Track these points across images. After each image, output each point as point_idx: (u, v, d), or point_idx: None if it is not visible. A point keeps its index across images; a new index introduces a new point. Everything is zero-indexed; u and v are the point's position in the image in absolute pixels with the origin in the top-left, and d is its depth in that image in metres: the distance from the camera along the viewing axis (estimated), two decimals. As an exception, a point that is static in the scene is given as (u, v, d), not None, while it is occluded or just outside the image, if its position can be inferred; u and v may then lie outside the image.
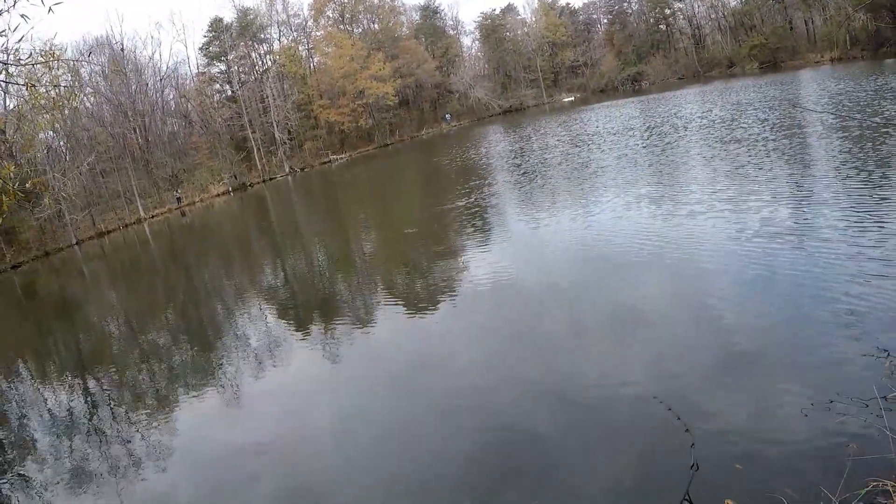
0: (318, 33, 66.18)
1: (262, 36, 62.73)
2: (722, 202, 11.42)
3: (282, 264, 18.09)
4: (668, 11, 72.45)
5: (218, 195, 47.69)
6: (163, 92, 57.49)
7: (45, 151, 38.97)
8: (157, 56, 78.64)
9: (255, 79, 59.42)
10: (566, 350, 7.45)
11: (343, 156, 57.84)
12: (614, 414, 5.72)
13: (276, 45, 64.00)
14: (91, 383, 11.23)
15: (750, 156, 14.95)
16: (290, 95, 58.67)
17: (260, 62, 62.77)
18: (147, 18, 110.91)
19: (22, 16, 6.04)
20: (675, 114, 28.92)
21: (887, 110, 17.38)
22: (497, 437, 5.88)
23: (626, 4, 77.52)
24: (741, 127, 19.83)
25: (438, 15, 77.11)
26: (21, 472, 7.90)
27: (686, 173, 15.05)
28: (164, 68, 57.63)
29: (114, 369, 11.56)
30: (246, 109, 54.86)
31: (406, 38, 68.99)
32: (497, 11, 78.32)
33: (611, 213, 12.75)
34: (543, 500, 4.81)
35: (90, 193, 43.92)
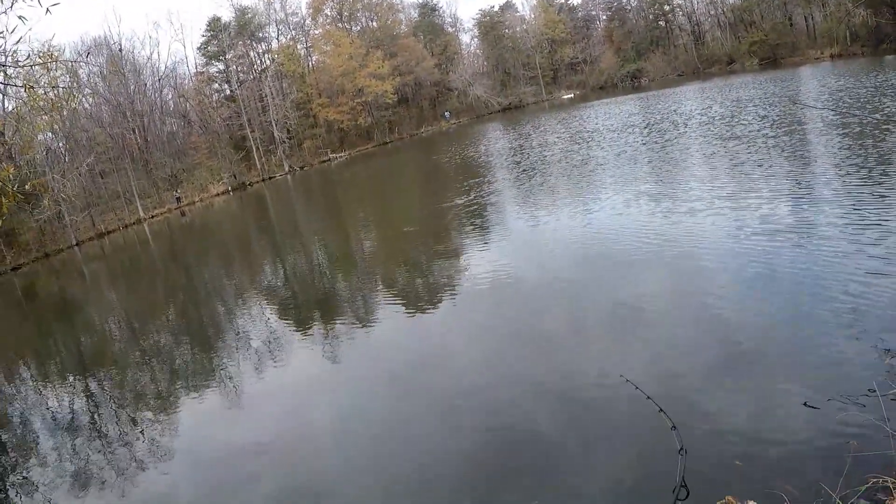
0: (317, 32, 66.11)
1: (261, 35, 62.68)
2: (721, 199, 11.41)
3: (281, 263, 18.09)
4: (667, 8, 72.36)
5: (217, 195, 47.68)
6: (161, 92, 57.53)
7: (45, 153, 38.98)
8: (155, 56, 78.52)
9: (254, 78, 59.36)
10: (566, 348, 7.45)
11: (342, 154, 57.82)
12: (613, 412, 5.72)
13: (274, 44, 64.00)
14: (92, 384, 11.25)
15: (750, 153, 14.94)
16: (288, 94, 58.63)
17: (258, 61, 62.71)
18: (145, 18, 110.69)
19: (20, 17, 6.04)
20: (674, 111, 28.89)
21: (887, 107, 17.35)
22: (497, 437, 5.88)
23: (625, 1, 77.43)
24: (741, 124, 19.81)
25: (437, 12, 77.05)
26: (22, 473, 7.91)
27: (686, 170, 15.04)
28: (163, 68, 57.69)
29: (114, 370, 11.58)
30: (245, 108, 54.81)
31: (405, 36, 68.93)
32: (496, 8, 78.35)
33: (610, 211, 12.75)
34: (543, 499, 4.82)
35: (90, 194, 43.89)
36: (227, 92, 60.20)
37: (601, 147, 22.22)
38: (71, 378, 11.99)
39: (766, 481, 4.30)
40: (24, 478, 7.76)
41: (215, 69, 61.13)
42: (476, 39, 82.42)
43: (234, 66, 60.41)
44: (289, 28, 64.93)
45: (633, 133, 24.08)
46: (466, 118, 68.46)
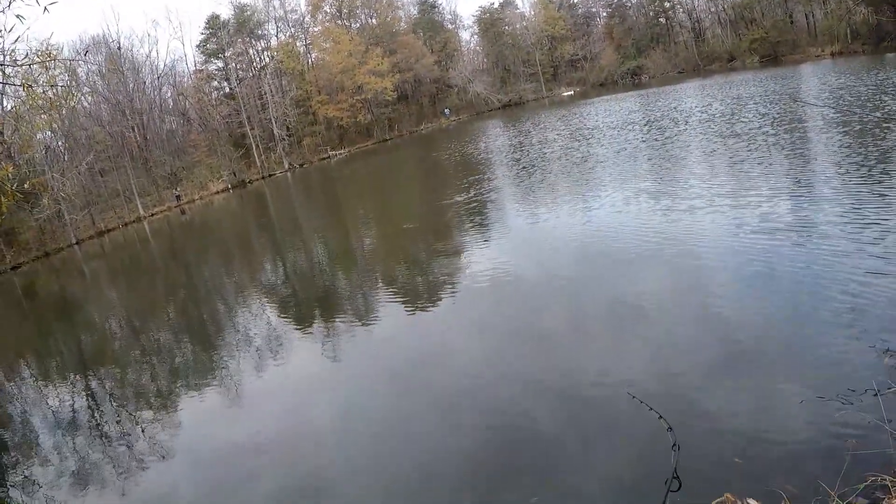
0: (316, 29, 65.97)
1: (260, 32, 62.54)
2: (721, 197, 11.40)
3: (281, 261, 18.10)
4: (667, 4, 72.16)
5: (217, 192, 47.66)
6: (160, 90, 57.45)
7: (44, 152, 38.89)
8: (154, 54, 78.46)
9: (253, 75, 59.27)
10: (565, 346, 7.46)
11: (342, 151, 57.77)
12: (613, 411, 5.72)
13: (273, 42, 63.88)
14: (92, 383, 11.26)
15: (750, 150, 14.93)
16: (288, 91, 58.56)
17: (257, 58, 62.62)
18: (143, 16, 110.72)
19: (17, 16, 6.03)
20: (674, 108, 28.86)
21: (888, 105, 17.32)
22: (496, 434, 5.89)
23: (625, -3, 77.24)
24: (741, 121, 19.79)
25: (436, 9, 76.89)
26: (23, 471, 7.93)
27: (685, 168, 15.03)
28: (162, 66, 57.60)
29: (115, 368, 11.60)
30: (244, 106, 54.74)
31: (404, 33, 68.78)
32: (495, 5, 78.09)
33: (610, 209, 12.75)
34: (543, 497, 4.83)
35: (89, 193, 43.85)
36: (227, 89, 60.12)
37: (601, 144, 22.20)
38: (71, 377, 12.01)
39: (765, 479, 4.31)
40: (25, 476, 7.78)
41: (214, 67, 61.04)
42: (476, 36, 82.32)
43: (234, 64, 60.31)
44: (288, 25, 64.83)
45: (633, 130, 24.05)
46: (466, 115, 68.38)
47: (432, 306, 10.11)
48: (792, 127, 16.95)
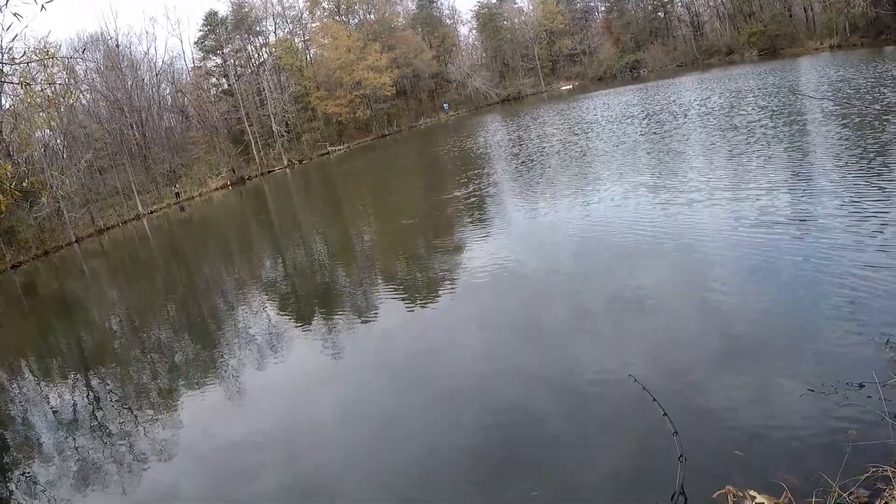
0: (314, 25, 65.79)
1: (258, 28, 62.37)
2: (721, 190, 11.40)
3: (281, 257, 18.10)
4: (665, -2, 71.92)
5: (216, 189, 47.62)
6: (159, 87, 57.25)
7: (43, 150, 38.86)
8: (152, 51, 78.03)
9: (252, 72, 59.11)
10: (565, 341, 7.46)
11: (341, 147, 57.70)
12: (613, 405, 5.74)
13: (271, 38, 63.71)
14: (93, 380, 11.28)
15: (749, 143, 14.92)
16: (286, 88, 58.44)
17: (256, 55, 62.41)
18: (141, 13, 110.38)
19: (14, 14, 6.01)
20: (673, 101, 28.81)
21: (887, 97, 17.29)
22: (497, 430, 5.90)
23: (623, -8, 76.90)
24: (740, 114, 19.76)
25: (435, 4, 76.72)
26: (25, 468, 7.95)
27: (684, 161, 15.02)
28: (160, 63, 57.44)
29: (115, 366, 11.61)
30: (243, 103, 54.62)
31: (403, 29, 68.60)
32: (494, 0, 77.83)
33: (609, 202, 12.74)
34: (543, 491, 4.85)
35: (88, 190, 43.79)
36: (225, 86, 59.97)
37: (600, 138, 22.17)
38: (72, 375, 12.02)
39: (766, 471, 4.32)
40: (26, 475, 7.80)
41: (213, 63, 60.84)
42: (474, 31, 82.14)
43: (232, 61, 60.12)
44: (286, 22, 64.68)
45: (631, 124, 24.02)
46: (465, 110, 68.26)
47: (432, 301, 10.12)
48: (791, 120, 16.93)
